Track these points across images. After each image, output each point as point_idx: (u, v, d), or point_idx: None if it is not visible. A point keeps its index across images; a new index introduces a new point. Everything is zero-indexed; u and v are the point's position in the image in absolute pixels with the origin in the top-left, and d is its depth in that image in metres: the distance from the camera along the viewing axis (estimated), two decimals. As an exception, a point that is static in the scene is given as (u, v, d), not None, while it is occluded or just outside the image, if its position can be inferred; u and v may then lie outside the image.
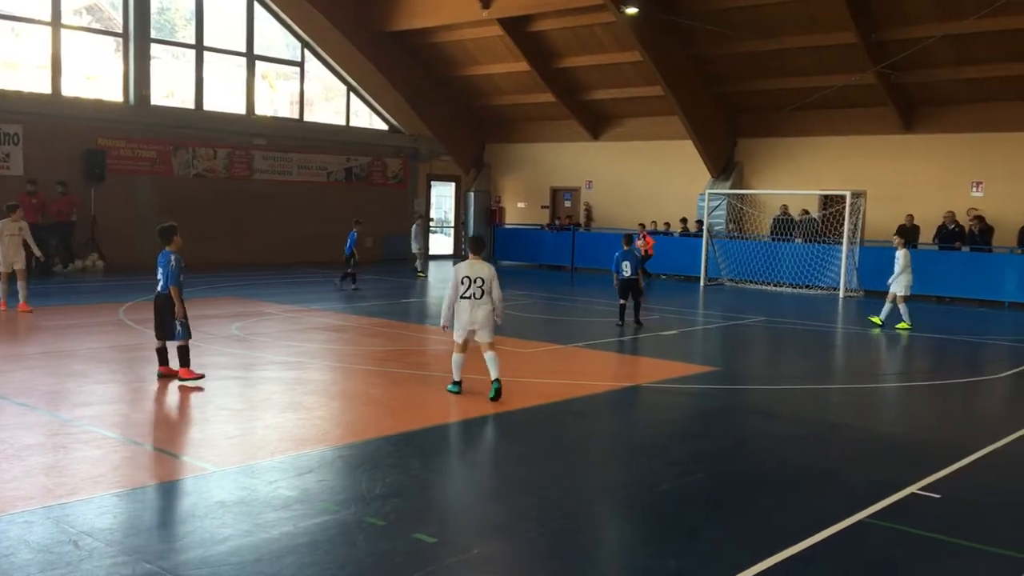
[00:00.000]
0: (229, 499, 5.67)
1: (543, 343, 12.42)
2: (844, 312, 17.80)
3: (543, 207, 28.27)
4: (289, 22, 24.30)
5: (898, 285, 14.67)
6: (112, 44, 21.81)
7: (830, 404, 9.61)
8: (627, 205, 25.66)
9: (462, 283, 8.56)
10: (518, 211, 28.91)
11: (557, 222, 26.91)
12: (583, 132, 26.26)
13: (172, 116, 22.34)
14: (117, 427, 7.33)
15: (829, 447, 7.67)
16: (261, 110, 24.38)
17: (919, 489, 6.25)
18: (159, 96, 22.34)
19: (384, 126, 27.32)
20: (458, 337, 8.68)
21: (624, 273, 13.83)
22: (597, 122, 26.30)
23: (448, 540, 5.11)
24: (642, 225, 22.97)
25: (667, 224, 24.29)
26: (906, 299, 14.66)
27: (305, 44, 24.92)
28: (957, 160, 20.38)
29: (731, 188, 23.39)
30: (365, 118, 26.97)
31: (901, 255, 14.76)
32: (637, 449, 7.45)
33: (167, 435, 7.26)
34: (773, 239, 21.85)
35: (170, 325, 9.00)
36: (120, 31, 21.63)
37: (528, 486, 6.27)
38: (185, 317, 9.02)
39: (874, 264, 20.13)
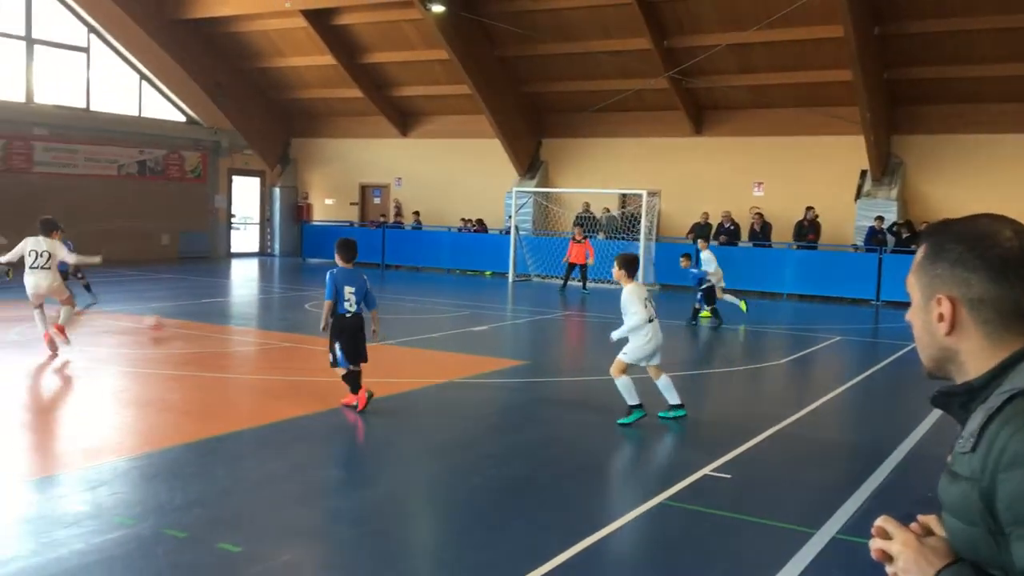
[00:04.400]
0: (11, 518, 5.24)
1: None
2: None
3: (352, 203, 27.87)
4: (73, 5, 22.64)
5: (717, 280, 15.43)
6: None
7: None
8: (436, 202, 25.75)
9: (645, 307, 7.91)
10: (326, 207, 28.36)
11: (382, 218, 26.31)
12: (392, 128, 26.09)
13: (-63, 102, 20.30)
14: None
15: (631, 435, 8.03)
16: (42, 98, 22.59)
17: (711, 471, 6.65)
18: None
19: (181, 118, 26.01)
20: (635, 360, 8.05)
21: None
22: (406, 119, 26.22)
23: (254, 548, 4.94)
24: (579, 226, 21.04)
25: (480, 220, 24.52)
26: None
27: (91, 29, 23.31)
28: (741, 161, 21.84)
29: (537, 186, 23.98)
30: (160, 109, 25.58)
31: (708, 255, 15.45)
32: (449, 445, 7.50)
33: (-65, 453, 6.60)
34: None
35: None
36: None
37: (340, 488, 6.18)
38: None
39: (669, 259, 21.26)
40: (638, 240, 21.23)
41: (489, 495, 6.09)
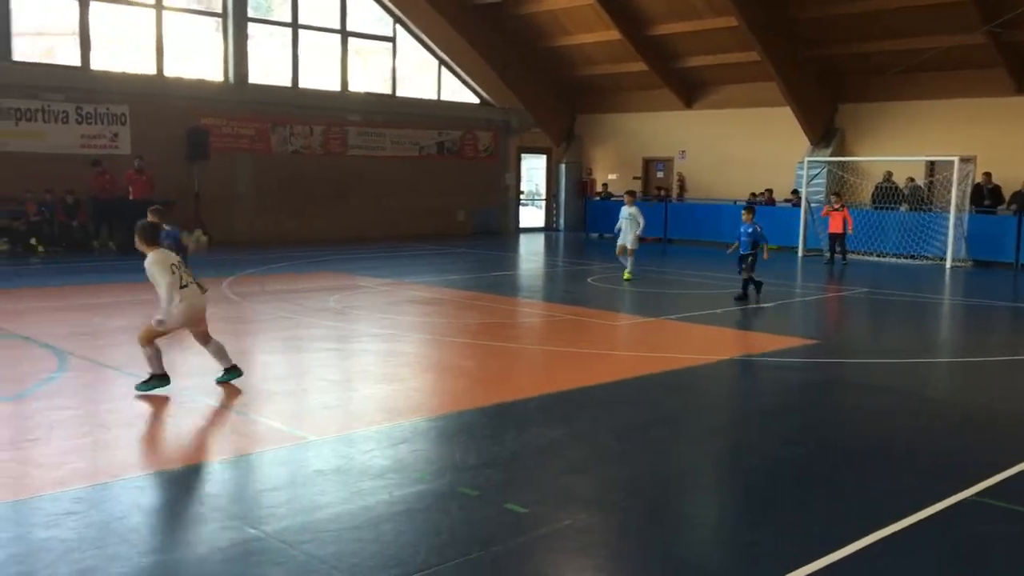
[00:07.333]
0: (327, 468, 5.82)
1: (635, 316, 12.31)
2: (951, 283, 17.10)
3: (635, 178, 27.91)
4: (381, -3, 24.53)
5: (630, 238, 15.76)
6: (212, 24, 22.39)
7: (935, 378, 9.27)
8: (721, 175, 25.12)
9: (172, 272, 7.47)
10: (609, 183, 28.63)
11: (662, 191, 26.28)
12: (676, 101, 25.77)
13: (270, 94, 22.83)
14: (221, 397, 7.59)
15: (934, 423, 7.40)
16: (355, 86, 24.72)
17: (1032, 467, 5.97)
18: (257, 75, 22.84)
19: (475, 99, 27.36)
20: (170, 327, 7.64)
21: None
22: (690, 90, 25.77)
23: (539, 511, 5.13)
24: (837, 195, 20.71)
25: (769, 191, 23.67)
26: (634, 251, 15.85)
27: (397, 19, 25.12)
28: (1076, 122, 19.27)
29: (832, 155, 22.65)
30: (456, 92, 27.06)
31: (636, 211, 15.88)
32: (733, 422, 7.33)
33: (268, 405, 7.49)
34: (875, 208, 21.12)
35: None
36: (219, 11, 22.18)
37: (620, 458, 6.25)
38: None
39: (984, 232, 19.27)
40: (947, 211, 19.44)
41: (775, 477, 5.88)
